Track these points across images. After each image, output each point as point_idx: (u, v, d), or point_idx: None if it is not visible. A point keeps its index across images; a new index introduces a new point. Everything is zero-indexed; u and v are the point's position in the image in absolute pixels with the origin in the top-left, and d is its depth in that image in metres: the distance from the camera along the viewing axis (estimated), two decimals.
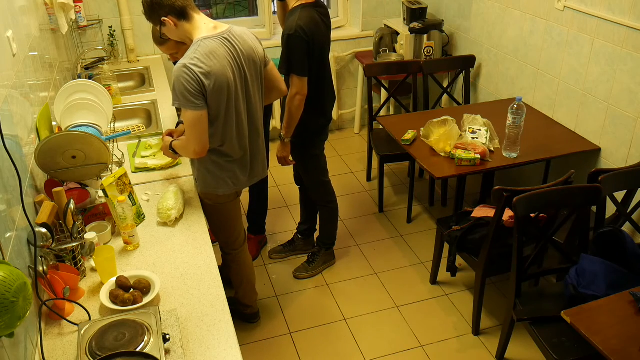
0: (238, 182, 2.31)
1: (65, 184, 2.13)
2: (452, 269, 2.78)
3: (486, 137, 2.87)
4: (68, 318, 1.68)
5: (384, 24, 4.27)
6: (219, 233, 2.48)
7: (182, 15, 2.05)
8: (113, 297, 1.72)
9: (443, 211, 3.67)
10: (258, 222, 3.28)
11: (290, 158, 2.80)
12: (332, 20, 4.47)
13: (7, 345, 1.34)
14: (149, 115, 3.12)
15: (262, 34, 4.30)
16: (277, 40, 4.27)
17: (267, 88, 2.35)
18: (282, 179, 4.03)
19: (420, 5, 4.04)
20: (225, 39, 2.08)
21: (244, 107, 2.20)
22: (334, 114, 4.59)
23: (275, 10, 4.36)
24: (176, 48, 2.47)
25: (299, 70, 2.53)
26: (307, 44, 2.50)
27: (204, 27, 2.09)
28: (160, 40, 2.46)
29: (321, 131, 2.84)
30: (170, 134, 2.43)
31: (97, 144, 2.09)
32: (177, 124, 2.63)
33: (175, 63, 2.75)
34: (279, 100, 4.32)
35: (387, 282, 3.10)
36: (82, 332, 1.56)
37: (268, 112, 3.07)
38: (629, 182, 2.46)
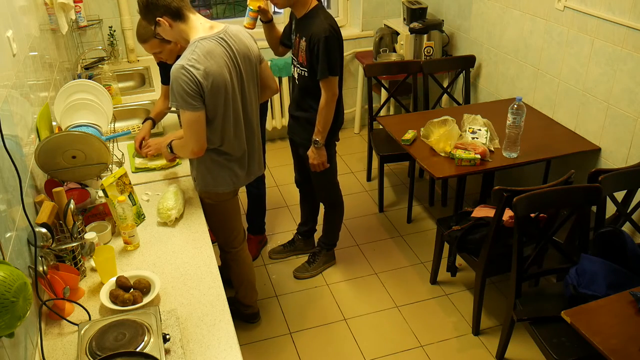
0: (237, 179, 2.32)
1: (65, 184, 2.13)
2: (452, 269, 2.78)
3: (486, 137, 2.87)
4: (68, 318, 1.68)
5: (384, 24, 4.27)
6: (218, 231, 2.48)
7: (178, 15, 2.05)
8: (113, 297, 1.72)
9: (443, 211, 3.67)
10: (257, 222, 3.28)
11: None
12: None
13: (7, 345, 1.34)
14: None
15: (262, 34, 4.28)
16: None
17: (260, 86, 2.35)
18: (282, 179, 4.03)
19: (420, 5, 4.04)
20: (222, 38, 2.09)
21: (241, 106, 2.20)
22: None
23: (276, 10, 4.37)
24: (160, 47, 2.46)
25: (335, 70, 2.53)
26: (339, 42, 2.53)
27: (200, 27, 2.09)
28: (143, 38, 2.46)
29: (338, 131, 2.84)
30: (142, 138, 2.51)
31: (97, 144, 2.09)
32: (144, 120, 2.67)
33: (159, 63, 2.76)
34: (279, 100, 4.35)
35: (387, 282, 3.10)
36: (82, 332, 1.56)
37: (264, 111, 3.07)
38: (629, 182, 2.46)
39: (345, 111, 4.71)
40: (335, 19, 4.61)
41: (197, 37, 2.05)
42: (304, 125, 2.73)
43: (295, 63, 2.68)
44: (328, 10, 2.62)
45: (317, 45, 2.47)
